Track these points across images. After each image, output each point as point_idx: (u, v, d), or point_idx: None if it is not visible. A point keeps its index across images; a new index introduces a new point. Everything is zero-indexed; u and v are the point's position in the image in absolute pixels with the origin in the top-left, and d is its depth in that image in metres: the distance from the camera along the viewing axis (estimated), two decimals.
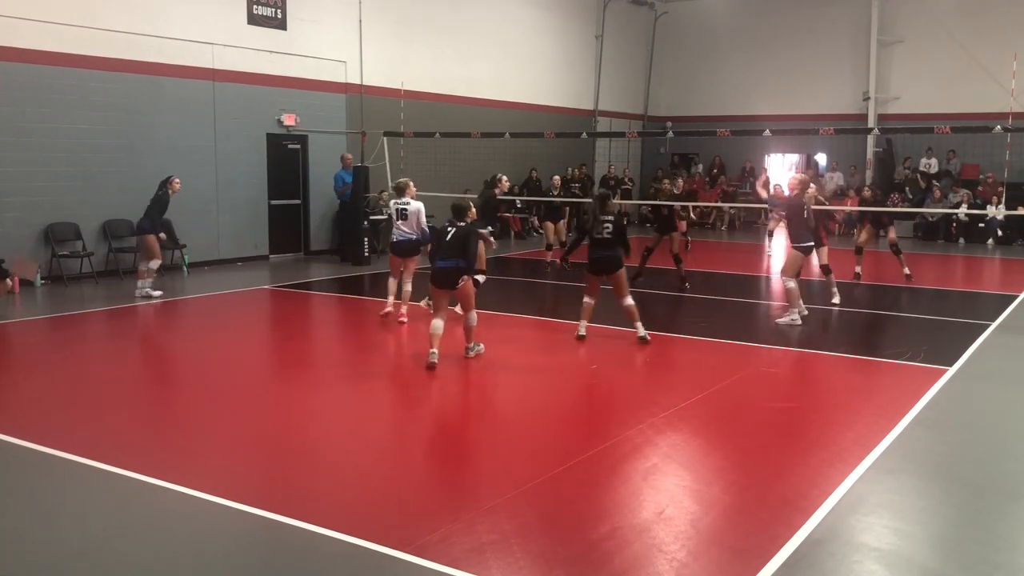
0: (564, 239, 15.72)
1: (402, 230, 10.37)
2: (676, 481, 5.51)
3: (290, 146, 16.41)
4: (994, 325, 10.57)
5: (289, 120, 16.10)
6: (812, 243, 10.73)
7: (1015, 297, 12.62)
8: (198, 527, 4.78)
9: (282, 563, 4.36)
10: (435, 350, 8.18)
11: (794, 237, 10.62)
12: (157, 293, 11.97)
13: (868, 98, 23.51)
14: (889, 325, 11.17)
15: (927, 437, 6.46)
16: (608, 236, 9.29)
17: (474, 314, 8.66)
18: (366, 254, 15.84)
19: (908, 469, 5.77)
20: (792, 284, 10.52)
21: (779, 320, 10.64)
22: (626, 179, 24.62)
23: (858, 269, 14.17)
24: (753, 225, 24.77)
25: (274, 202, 16.19)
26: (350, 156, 16.41)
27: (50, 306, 11.29)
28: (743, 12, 25.28)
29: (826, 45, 24.14)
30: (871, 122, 23.01)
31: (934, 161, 22.68)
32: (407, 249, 10.45)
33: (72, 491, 5.25)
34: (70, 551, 4.47)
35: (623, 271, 9.41)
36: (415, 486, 5.38)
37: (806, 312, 10.69)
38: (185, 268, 14.30)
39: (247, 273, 14.49)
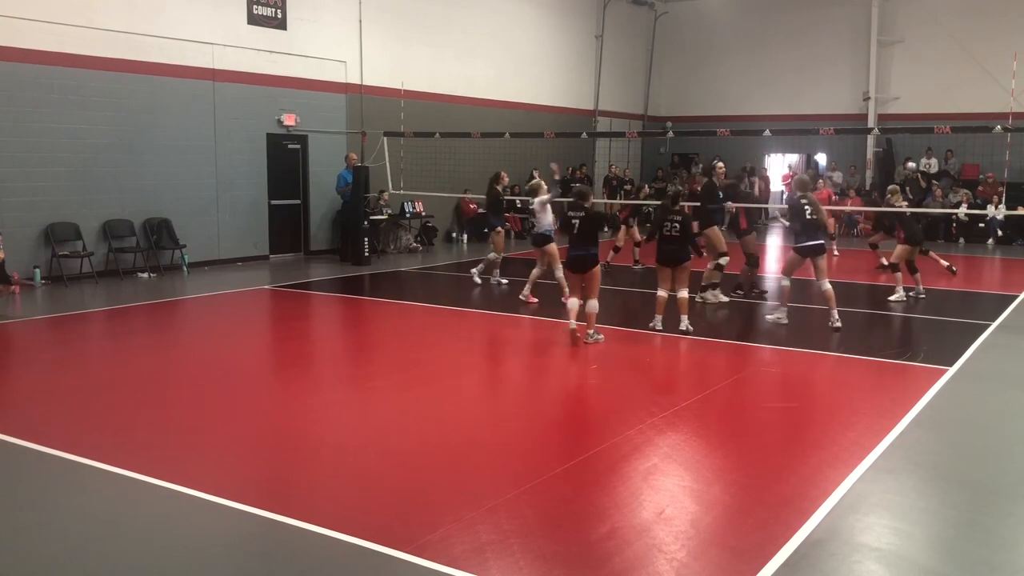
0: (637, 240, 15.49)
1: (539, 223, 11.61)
2: (676, 481, 5.51)
3: (290, 146, 16.41)
4: (994, 325, 10.57)
5: (289, 120, 16.10)
6: (820, 242, 10.27)
7: (1015, 297, 12.63)
8: (198, 527, 4.78)
9: (282, 563, 4.36)
10: (573, 321, 9.37)
11: (795, 238, 10.62)
12: (505, 281, 13.17)
13: (868, 98, 23.54)
14: (889, 325, 11.16)
15: (927, 437, 6.45)
16: (676, 234, 9.94)
17: (596, 301, 9.34)
18: (366, 254, 15.83)
19: (908, 469, 5.77)
20: (786, 283, 10.57)
21: (767, 316, 10.72)
22: (627, 180, 24.58)
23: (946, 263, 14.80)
24: (753, 225, 24.75)
25: (274, 202, 16.20)
26: (355, 156, 16.39)
27: (50, 306, 11.29)
28: (743, 12, 25.31)
29: (826, 45, 24.16)
30: (871, 122, 23.03)
31: (934, 161, 22.70)
32: (538, 240, 11.65)
33: (73, 491, 5.24)
34: (71, 551, 4.46)
35: (688, 264, 10.08)
36: (415, 486, 5.37)
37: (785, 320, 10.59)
38: (185, 268, 14.30)
39: (247, 273, 14.49)
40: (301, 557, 4.40)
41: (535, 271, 11.80)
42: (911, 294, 12.37)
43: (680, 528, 4.76)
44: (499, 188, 13.31)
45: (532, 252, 12.63)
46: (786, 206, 11.11)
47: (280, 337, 10.35)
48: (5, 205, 12.27)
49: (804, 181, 10.88)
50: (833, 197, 19.56)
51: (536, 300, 11.63)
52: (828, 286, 10.21)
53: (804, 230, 10.30)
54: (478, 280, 13.19)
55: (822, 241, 10.32)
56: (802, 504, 5.06)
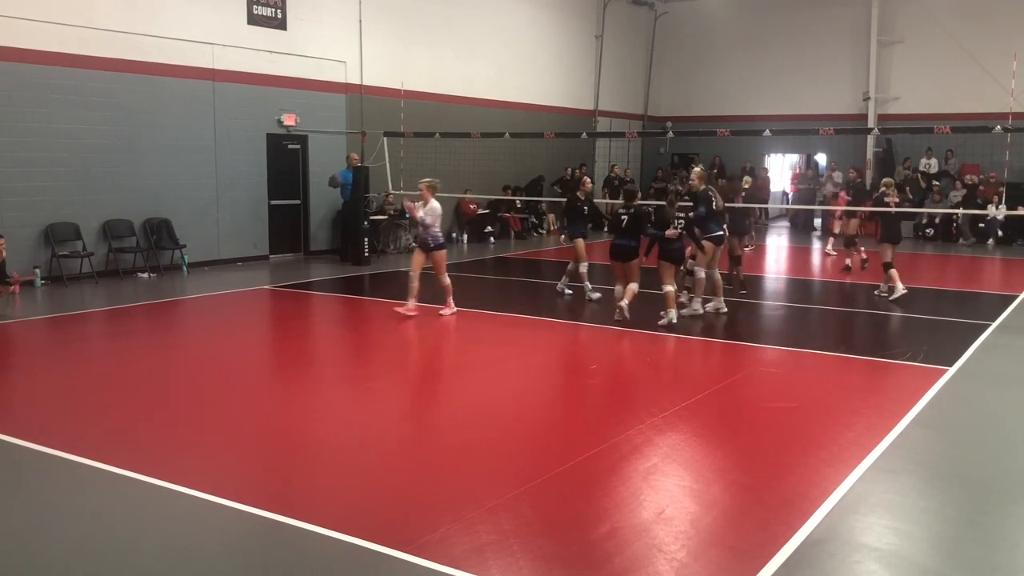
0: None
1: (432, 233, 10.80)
2: (676, 481, 5.51)
3: (290, 146, 16.40)
4: (994, 325, 10.56)
5: (289, 120, 16.10)
6: (721, 233, 11.22)
7: (1015, 297, 12.62)
8: (198, 527, 4.78)
9: (282, 563, 4.36)
10: (626, 301, 10.23)
11: (704, 229, 10.89)
12: (596, 295, 11.87)
13: (868, 98, 23.52)
14: (889, 325, 11.16)
15: (927, 437, 6.46)
16: (682, 230, 10.40)
17: (636, 284, 10.36)
18: (366, 254, 15.83)
19: (908, 469, 5.77)
20: (702, 274, 10.97)
21: (707, 307, 11.07)
22: (628, 180, 24.53)
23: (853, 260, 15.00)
24: (756, 223, 24.81)
25: (274, 202, 16.19)
26: (356, 156, 16.35)
27: (50, 306, 11.29)
28: (743, 12, 25.31)
29: (826, 45, 24.16)
30: (871, 122, 23.02)
31: (934, 161, 22.70)
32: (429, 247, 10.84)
33: (73, 491, 5.24)
34: (72, 552, 4.46)
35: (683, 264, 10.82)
36: (415, 486, 5.37)
37: (725, 309, 11.18)
38: (185, 268, 14.29)
39: (247, 273, 14.49)
40: (302, 557, 4.39)
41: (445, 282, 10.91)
42: (876, 292, 12.46)
43: (680, 528, 4.76)
44: (580, 195, 12.29)
45: (568, 251, 12.63)
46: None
47: (280, 337, 10.35)
48: (5, 205, 12.27)
49: (702, 175, 11.34)
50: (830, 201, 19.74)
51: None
52: (703, 274, 10.97)
53: (709, 219, 10.95)
54: (568, 292, 12.26)
55: (723, 233, 11.29)
56: (802, 504, 5.05)
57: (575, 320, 10.85)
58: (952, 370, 8.30)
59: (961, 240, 20.88)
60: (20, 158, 12.41)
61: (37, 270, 12.53)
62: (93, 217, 13.37)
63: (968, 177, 21.57)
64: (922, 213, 20.79)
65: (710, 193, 11.06)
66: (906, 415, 6.81)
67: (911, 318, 11.40)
